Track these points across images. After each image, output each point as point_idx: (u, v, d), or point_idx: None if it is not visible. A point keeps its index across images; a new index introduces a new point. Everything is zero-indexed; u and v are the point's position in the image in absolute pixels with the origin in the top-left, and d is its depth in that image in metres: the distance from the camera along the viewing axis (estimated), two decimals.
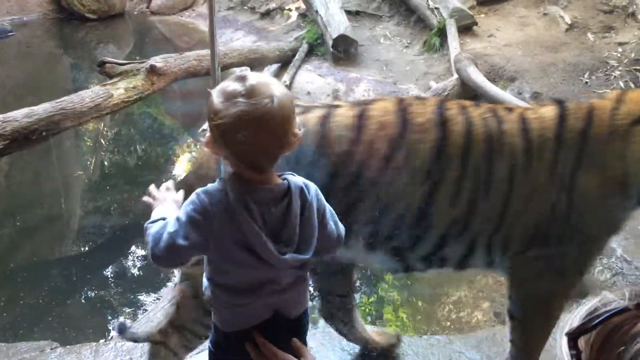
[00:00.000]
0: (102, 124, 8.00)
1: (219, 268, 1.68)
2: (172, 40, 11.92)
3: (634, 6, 7.98)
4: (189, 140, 8.17)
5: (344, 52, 8.55)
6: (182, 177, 4.73)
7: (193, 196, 1.65)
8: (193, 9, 13.03)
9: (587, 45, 7.92)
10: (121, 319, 4.16)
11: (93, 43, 11.92)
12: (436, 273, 2.72)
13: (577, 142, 2.41)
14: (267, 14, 11.10)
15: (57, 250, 5.51)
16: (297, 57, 8.70)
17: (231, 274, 1.67)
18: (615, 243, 4.04)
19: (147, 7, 13.36)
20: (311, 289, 2.80)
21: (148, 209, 1.88)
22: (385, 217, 2.40)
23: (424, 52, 8.55)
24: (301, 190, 1.67)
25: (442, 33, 8.36)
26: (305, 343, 1.80)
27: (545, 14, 8.74)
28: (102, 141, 8.08)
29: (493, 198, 2.39)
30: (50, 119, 5.38)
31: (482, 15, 9.03)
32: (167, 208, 1.80)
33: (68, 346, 3.25)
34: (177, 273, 2.98)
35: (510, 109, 2.53)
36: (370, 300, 4.62)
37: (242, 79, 1.57)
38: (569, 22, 8.33)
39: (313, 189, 1.71)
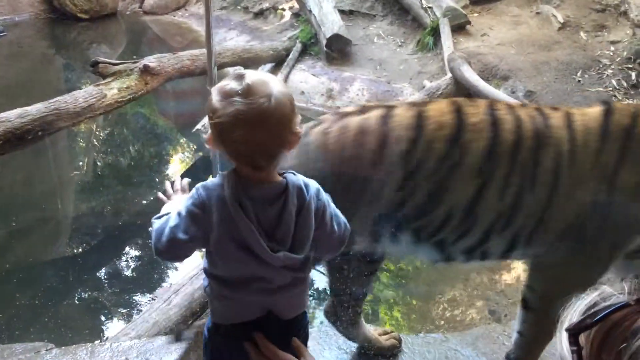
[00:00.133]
0: (95, 125, 7.98)
1: (215, 260, 1.69)
2: (165, 40, 11.88)
3: (626, 5, 8.02)
4: (182, 141, 8.15)
5: (337, 51, 8.56)
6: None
7: (193, 191, 1.67)
8: (186, 9, 12.99)
9: (580, 44, 7.95)
10: None
11: (85, 43, 11.87)
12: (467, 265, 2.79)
13: (621, 138, 2.45)
14: (260, 14, 11.09)
15: (52, 251, 5.48)
16: (290, 56, 8.70)
17: (225, 267, 1.68)
18: None
19: (140, 7, 13.32)
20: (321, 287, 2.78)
21: (158, 204, 1.90)
22: (437, 212, 2.47)
23: (417, 51, 8.57)
24: (299, 189, 1.66)
25: (435, 32, 8.39)
26: (305, 345, 1.80)
27: (538, 13, 8.78)
28: (95, 142, 8.05)
29: (538, 193, 2.46)
30: (43, 119, 5.35)
31: (475, 15, 9.06)
32: (175, 204, 1.80)
33: (63, 347, 3.23)
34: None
35: (555, 108, 2.61)
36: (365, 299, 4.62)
37: (240, 77, 1.57)
38: (562, 21, 8.37)
39: (313, 188, 1.70)
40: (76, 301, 4.80)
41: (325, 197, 1.74)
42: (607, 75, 7.14)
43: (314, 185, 1.72)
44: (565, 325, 1.08)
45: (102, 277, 5.09)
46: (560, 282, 2.54)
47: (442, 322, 4.41)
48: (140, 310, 4.31)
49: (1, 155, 5.18)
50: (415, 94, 7.37)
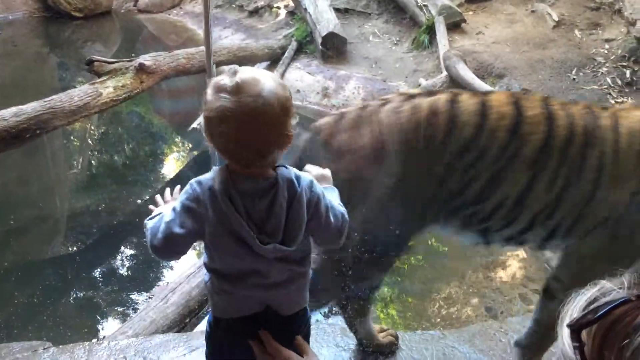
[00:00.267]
0: (91, 123, 7.96)
1: (212, 254, 1.70)
2: (160, 38, 11.86)
3: (620, 3, 8.05)
4: (177, 139, 8.14)
5: (333, 49, 8.55)
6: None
7: (187, 186, 1.67)
8: (180, 7, 12.96)
9: (575, 42, 7.98)
10: None
11: (80, 42, 11.83)
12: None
13: None
14: (255, 12, 11.08)
15: (49, 249, 5.47)
16: (286, 55, 8.69)
17: (221, 260, 1.69)
18: None
19: (134, 5, 13.28)
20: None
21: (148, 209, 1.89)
22: (490, 200, 2.56)
23: (413, 50, 8.58)
24: (290, 182, 1.66)
25: (431, 30, 8.40)
26: (307, 341, 1.81)
27: (532, 11, 8.80)
28: (91, 140, 8.02)
29: (582, 188, 2.53)
30: (39, 118, 5.35)
31: (471, 13, 9.07)
32: (167, 207, 1.80)
33: (61, 346, 3.22)
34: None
35: (605, 108, 2.69)
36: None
37: (233, 73, 1.56)
38: (556, 19, 8.39)
39: (305, 181, 1.70)
40: (73, 300, 4.79)
41: (320, 189, 1.74)
42: (602, 73, 7.17)
43: (306, 178, 1.72)
44: (566, 321, 1.08)
45: (100, 276, 5.08)
46: (588, 274, 2.58)
47: (439, 320, 4.42)
48: (138, 309, 4.31)
49: None
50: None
